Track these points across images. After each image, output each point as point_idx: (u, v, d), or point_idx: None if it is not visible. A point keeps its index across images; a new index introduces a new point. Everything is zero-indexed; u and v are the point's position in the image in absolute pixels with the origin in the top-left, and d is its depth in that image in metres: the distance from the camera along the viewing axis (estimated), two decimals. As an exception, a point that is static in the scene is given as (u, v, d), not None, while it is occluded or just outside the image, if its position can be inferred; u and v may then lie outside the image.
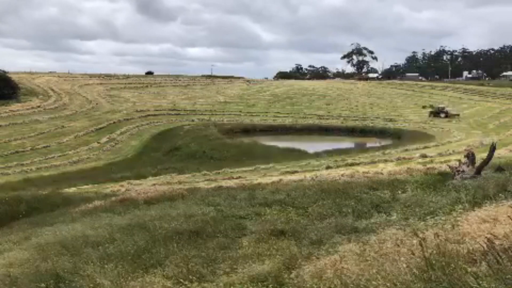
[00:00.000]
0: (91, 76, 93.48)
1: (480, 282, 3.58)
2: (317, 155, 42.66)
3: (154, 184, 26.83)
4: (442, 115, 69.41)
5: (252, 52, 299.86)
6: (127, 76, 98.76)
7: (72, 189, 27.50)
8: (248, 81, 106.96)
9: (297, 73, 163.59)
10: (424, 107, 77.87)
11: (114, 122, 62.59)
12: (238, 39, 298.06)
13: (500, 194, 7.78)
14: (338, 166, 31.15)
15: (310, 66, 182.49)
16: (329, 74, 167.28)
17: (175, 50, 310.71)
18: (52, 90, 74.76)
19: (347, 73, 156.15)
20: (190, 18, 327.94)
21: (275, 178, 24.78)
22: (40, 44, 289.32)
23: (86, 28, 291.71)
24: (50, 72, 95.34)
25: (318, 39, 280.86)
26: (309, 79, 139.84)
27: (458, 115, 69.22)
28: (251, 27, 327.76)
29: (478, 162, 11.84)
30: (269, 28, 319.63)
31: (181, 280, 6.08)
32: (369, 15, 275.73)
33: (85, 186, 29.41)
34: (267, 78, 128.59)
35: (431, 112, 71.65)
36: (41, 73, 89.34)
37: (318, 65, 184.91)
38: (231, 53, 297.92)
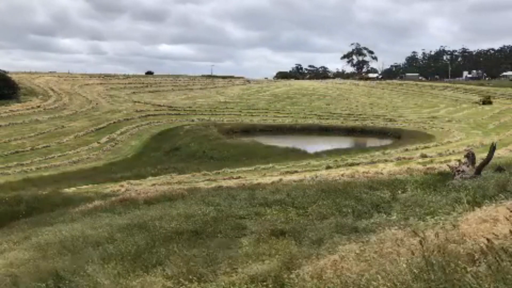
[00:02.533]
0: (91, 76, 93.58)
1: (480, 282, 3.58)
2: (317, 155, 42.58)
3: (154, 184, 26.83)
4: None
5: (221, 49, 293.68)
6: (127, 76, 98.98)
7: (72, 189, 27.48)
8: (248, 81, 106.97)
9: (297, 73, 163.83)
10: None
11: (114, 122, 62.57)
12: (203, 34, 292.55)
13: (500, 194, 7.76)
14: (338, 166, 31.11)
15: (310, 66, 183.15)
16: (329, 74, 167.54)
17: (144, 48, 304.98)
18: (52, 90, 74.80)
19: (347, 73, 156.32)
20: (137, 11, 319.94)
21: (275, 178, 24.77)
22: (7, 43, 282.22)
23: (42, 21, 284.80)
24: (50, 72, 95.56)
25: (281, 35, 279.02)
26: (309, 79, 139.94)
27: None
28: (208, 19, 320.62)
29: (478, 162, 11.84)
30: (224, 18, 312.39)
31: (181, 280, 6.08)
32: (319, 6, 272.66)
33: (85, 186, 29.38)
34: (266, 78, 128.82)
35: None
36: (41, 73, 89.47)
37: (296, 63, 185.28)
38: (205, 51, 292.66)
